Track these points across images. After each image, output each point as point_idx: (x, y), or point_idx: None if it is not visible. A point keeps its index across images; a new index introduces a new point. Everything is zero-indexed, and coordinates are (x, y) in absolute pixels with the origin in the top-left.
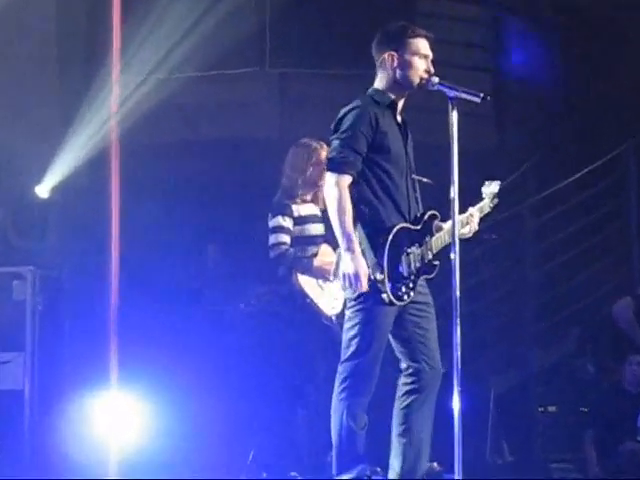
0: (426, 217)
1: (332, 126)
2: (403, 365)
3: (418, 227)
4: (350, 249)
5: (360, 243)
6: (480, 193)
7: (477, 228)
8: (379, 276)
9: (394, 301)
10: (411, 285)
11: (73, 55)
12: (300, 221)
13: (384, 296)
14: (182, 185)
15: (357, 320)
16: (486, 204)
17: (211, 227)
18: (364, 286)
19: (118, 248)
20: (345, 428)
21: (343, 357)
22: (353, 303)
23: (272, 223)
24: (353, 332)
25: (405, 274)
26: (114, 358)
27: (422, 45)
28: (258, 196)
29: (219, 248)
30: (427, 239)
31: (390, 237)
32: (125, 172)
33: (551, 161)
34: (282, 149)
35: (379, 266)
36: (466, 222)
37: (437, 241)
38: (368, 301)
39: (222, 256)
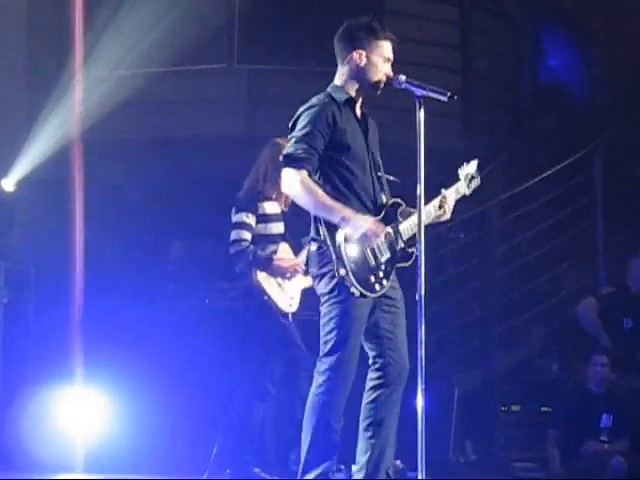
0: (388, 205)
1: (290, 124)
2: (370, 359)
3: (379, 217)
4: (344, 218)
5: (324, 240)
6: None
7: (452, 208)
8: (342, 271)
9: (365, 293)
10: (381, 275)
11: (40, 52)
12: (264, 219)
13: (353, 290)
14: (148, 181)
15: (333, 314)
16: (461, 185)
17: (176, 223)
18: (380, 228)
19: (83, 243)
20: (322, 422)
21: (322, 352)
22: (327, 297)
23: (235, 219)
24: (329, 326)
25: (372, 265)
26: (79, 353)
27: (388, 49)
28: (224, 193)
29: (185, 244)
30: (392, 226)
31: (345, 231)
32: (90, 168)
33: (518, 160)
34: (250, 147)
35: (340, 261)
36: (439, 205)
37: (406, 227)
38: (341, 294)
39: (187, 252)
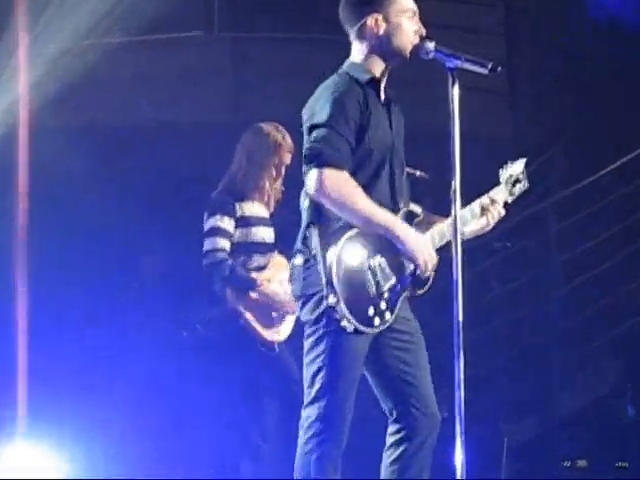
0: (400, 214)
1: (305, 111)
2: (387, 411)
3: None
4: (394, 234)
5: (314, 254)
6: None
7: (502, 213)
8: (331, 299)
9: (360, 328)
10: (383, 306)
11: None
12: (243, 222)
13: (344, 324)
14: (109, 178)
15: (320, 350)
16: (501, 190)
17: (146, 233)
18: (432, 258)
19: (26, 257)
20: None
21: (307, 399)
22: (313, 328)
23: (208, 224)
24: (315, 366)
25: (372, 293)
26: (22, 401)
27: (408, 0)
28: (208, 193)
29: (156, 259)
30: None
31: (341, 245)
32: (38, 160)
33: (581, 148)
34: (237, 133)
35: (330, 286)
36: (480, 211)
37: None
38: (331, 324)
39: (160, 270)
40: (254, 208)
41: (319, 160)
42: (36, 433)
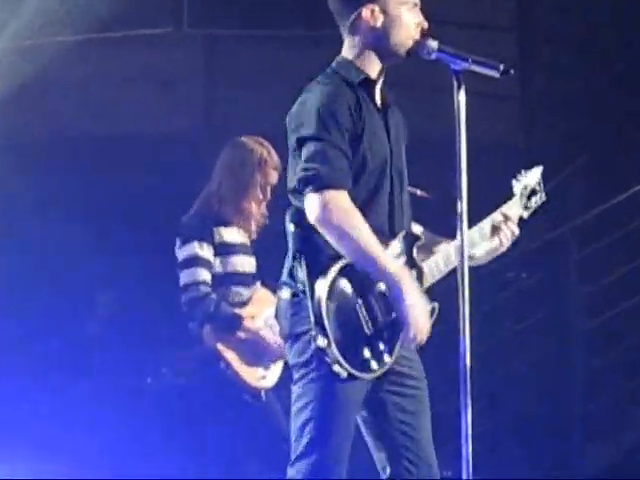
0: (398, 239)
1: (290, 119)
2: (378, 465)
3: None
4: (396, 283)
5: (302, 288)
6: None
7: (516, 232)
8: (321, 341)
9: (355, 373)
10: (381, 346)
11: None
12: (223, 250)
13: (337, 368)
14: (61, 200)
15: (309, 398)
16: (515, 204)
17: (104, 266)
18: (426, 330)
19: None
20: None
21: (294, 453)
22: (301, 373)
23: (184, 254)
24: (304, 416)
25: (368, 332)
26: None
27: None
28: (175, 217)
29: (116, 296)
30: None
31: (331, 277)
32: None
33: (606, 163)
34: (210, 145)
35: (319, 326)
36: (490, 230)
37: (429, 270)
38: (321, 368)
39: (120, 308)
40: (235, 234)
41: (318, 183)
42: None
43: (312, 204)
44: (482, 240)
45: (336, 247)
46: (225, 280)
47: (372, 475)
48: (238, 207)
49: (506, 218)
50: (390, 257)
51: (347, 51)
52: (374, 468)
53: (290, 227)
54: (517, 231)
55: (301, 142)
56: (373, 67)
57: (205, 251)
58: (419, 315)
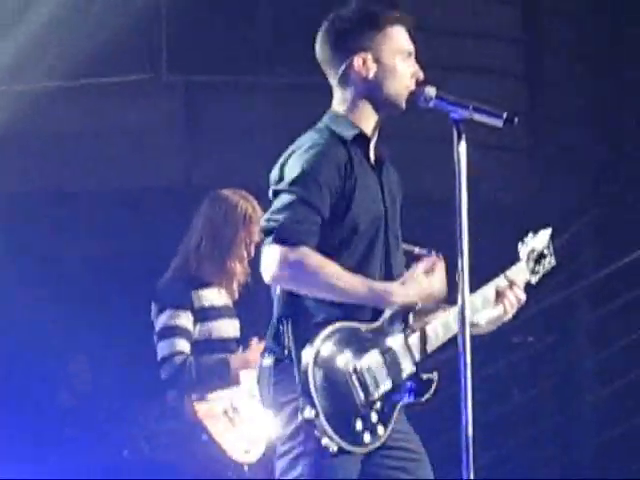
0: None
1: (273, 173)
2: None
3: (377, 324)
4: (373, 295)
5: (287, 353)
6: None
7: (522, 298)
8: (308, 412)
9: (346, 447)
10: (374, 418)
11: None
12: (203, 316)
13: (325, 442)
14: (35, 260)
15: (297, 473)
16: (522, 269)
17: (78, 327)
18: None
19: None
20: None
21: None
22: (288, 446)
23: (161, 322)
24: None
25: (359, 401)
26: None
27: (402, 36)
28: (151, 276)
29: (88, 359)
30: (398, 338)
31: (319, 344)
32: None
33: (616, 219)
34: (190, 202)
35: (306, 395)
36: (495, 295)
37: (426, 339)
38: (308, 443)
39: (94, 372)
40: (215, 297)
41: (276, 235)
42: None
43: (266, 258)
44: (485, 307)
45: (310, 294)
46: (207, 347)
47: None
48: (221, 267)
49: (511, 283)
50: (366, 280)
51: (338, 105)
52: None
53: (276, 290)
54: (523, 297)
55: (275, 194)
56: (367, 121)
57: (183, 319)
58: (408, 291)
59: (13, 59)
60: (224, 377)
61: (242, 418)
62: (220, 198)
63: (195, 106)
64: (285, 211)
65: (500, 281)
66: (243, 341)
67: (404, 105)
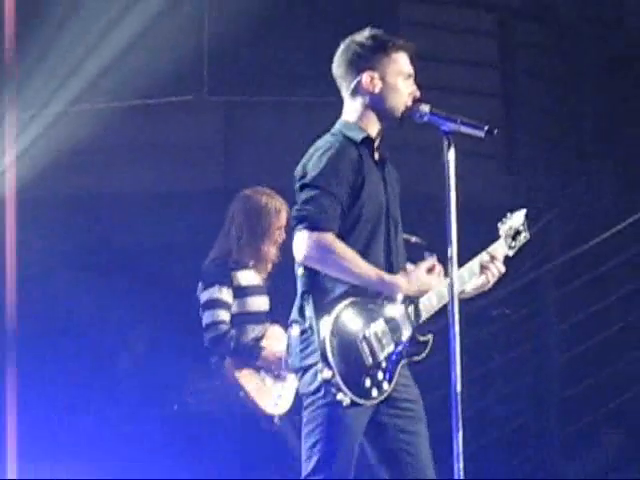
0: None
1: (297, 171)
2: None
3: (382, 298)
4: (383, 284)
5: (310, 325)
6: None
7: (502, 270)
8: (326, 373)
9: (358, 400)
10: (380, 376)
11: None
12: (240, 292)
13: (340, 397)
14: (94, 254)
15: (317, 422)
16: (500, 245)
17: (135, 306)
18: (434, 276)
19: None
20: None
21: (305, 472)
22: (310, 400)
23: (206, 296)
24: (313, 439)
25: (368, 363)
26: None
27: (405, 61)
28: (195, 265)
29: (145, 333)
30: (399, 308)
31: (334, 316)
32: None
33: (581, 210)
34: (227, 203)
35: (324, 360)
36: (480, 268)
37: (422, 308)
38: (328, 396)
39: (149, 343)
40: (250, 277)
41: (306, 223)
42: None
43: (298, 242)
44: (471, 278)
45: (331, 275)
46: (241, 319)
47: None
48: (257, 250)
49: (492, 257)
50: (379, 271)
51: (349, 114)
52: None
53: (299, 270)
54: (503, 269)
55: (301, 188)
56: (373, 127)
57: (224, 294)
58: (416, 290)
59: (79, 83)
60: (253, 359)
61: (272, 380)
62: (252, 196)
63: (232, 122)
64: (312, 202)
65: (483, 256)
66: (271, 315)
67: (400, 118)
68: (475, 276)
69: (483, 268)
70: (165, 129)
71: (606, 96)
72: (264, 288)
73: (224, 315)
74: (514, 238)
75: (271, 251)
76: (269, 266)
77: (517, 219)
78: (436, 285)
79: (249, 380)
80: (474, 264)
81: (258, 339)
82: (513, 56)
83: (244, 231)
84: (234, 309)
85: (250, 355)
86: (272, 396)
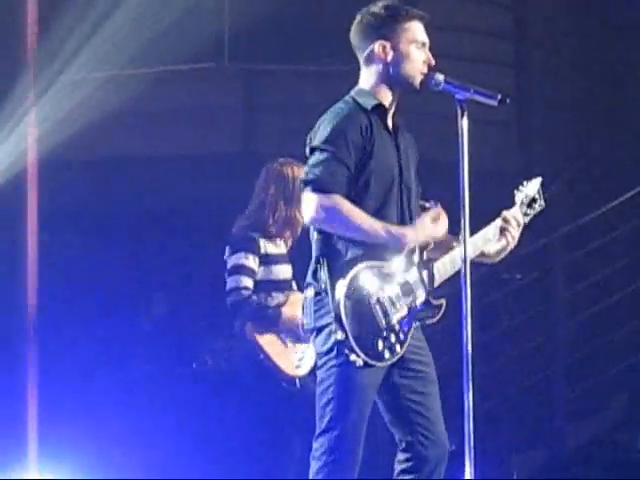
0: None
1: (309, 137)
2: (397, 439)
3: (396, 262)
4: (390, 236)
5: (325, 287)
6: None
7: (521, 222)
8: (340, 335)
9: (370, 362)
10: (393, 338)
11: None
12: (266, 260)
13: (353, 358)
14: (118, 215)
15: (331, 381)
16: (516, 212)
17: (156, 269)
18: (439, 224)
19: (36, 295)
20: None
21: (318, 429)
22: (324, 359)
23: (232, 261)
24: (327, 396)
25: (382, 325)
26: (33, 430)
27: (419, 29)
28: (216, 227)
29: (166, 296)
30: (414, 273)
31: (349, 280)
32: (45, 197)
33: (591, 179)
34: (246, 165)
35: (338, 322)
36: (500, 231)
37: (435, 273)
38: (341, 356)
39: (170, 305)
40: (277, 246)
41: (314, 185)
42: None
43: (306, 204)
44: (486, 244)
45: (339, 233)
46: (266, 286)
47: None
48: (292, 219)
49: (507, 221)
50: (385, 224)
51: (364, 81)
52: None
53: (314, 235)
54: (519, 232)
55: (311, 151)
56: (386, 95)
57: (250, 261)
58: (424, 239)
59: (102, 50)
60: (273, 324)
61: (293, 343)
62: (283, 167)
63: (251, 89)
64: (320, 165)
65: (498, 221)
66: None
67: (418, 85)
68: (490, 242)
69: (503, 231)
70: (187, 96)
71: (617, 66)
72: (287, 257)
73: (247, 282)
74: (529, 206)
75: (300, 217)
76: (298, 232)
77: (533, 187)
78: (441, 231)
79: (270, 344)
80: (488, 231)
81: (280, 305)
82: (526, 27)
83: (278, 201)
84: (260, 276)
85: (270, 320)
86: (293, 359)
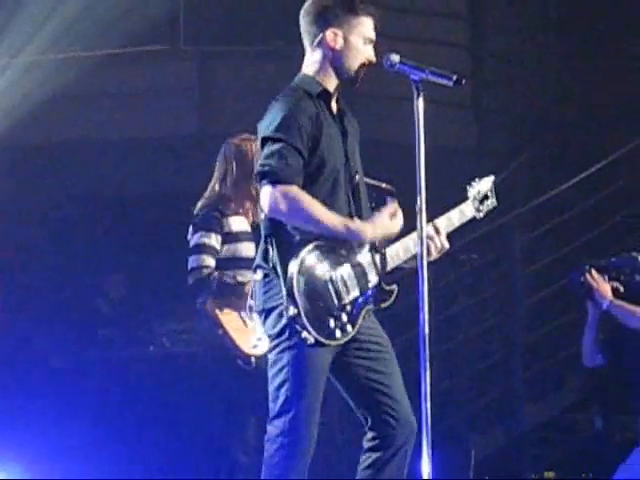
0: None
1: (259, 126)
2: (362, 419)
3: (349, 244)
4: (349, 232)
5: (273, 267)
6: (459, 200)
7: (446, 246)
8: (292, 310)
9: (320, 340)
10: (344, 318)
11: None
12: (229, 239)
13: (305, 335)
14: (73, 198)
15: (283, 363)
16: (468, 207)
17: (113, 252)
18: (396, 220)
19: None
20: None
21: (272, 412)
22: (275, 342)
23: (194, 240)
24: (279, 379)
25: (333, 304)
26: None
27: (369, 27)
28: (171, 209)
29: (123, 278)
30: (366, 255)
31: (301, 258)
32: None
33: (544, 161)
34: (202, 148)
35: (290, 298)
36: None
37: (389, 258)
38: (293, 337)
39: (127, 288)
40: (240, 223)
41: (271, 177)
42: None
43: (265, 196)
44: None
45: (301, 226)
46: (231, 264)
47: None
48: (249, 191)
49: (437, 230)
50: (340, 217)
51: (308, 67)
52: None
53: (261, 215)
54: (447, 245)
55: (264, 142)
56: (330, 81)
57: (212, 240)
58: (382, 235)
59: (55, 32)
60: (236, 299)
61: (253, 321)
62: (233, 142)
63: (206, 71)
64: (275, 156)
65: (429, 229)
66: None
67: (353, 77)
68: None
69: (428, 238)
70: (142, 78)
71: (573, 46)
72: (251, 235)
73: (209, 260)
74: (481, 202)
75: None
76: (257, 214)
77: (485, 184)
78: (397, 227)
79: (229, 320)
80: (415, 236)
81: (244, 283)
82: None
83: (239, 177)
84: (224, 254)
85: (232, 296)
86: (252, 338)
